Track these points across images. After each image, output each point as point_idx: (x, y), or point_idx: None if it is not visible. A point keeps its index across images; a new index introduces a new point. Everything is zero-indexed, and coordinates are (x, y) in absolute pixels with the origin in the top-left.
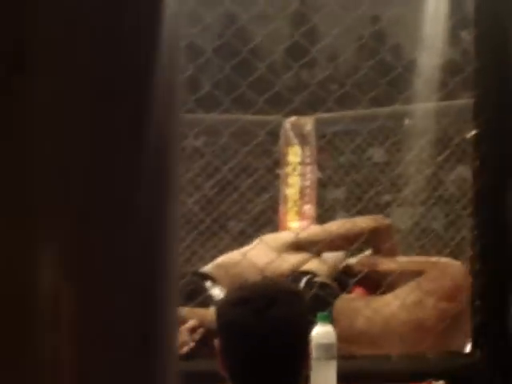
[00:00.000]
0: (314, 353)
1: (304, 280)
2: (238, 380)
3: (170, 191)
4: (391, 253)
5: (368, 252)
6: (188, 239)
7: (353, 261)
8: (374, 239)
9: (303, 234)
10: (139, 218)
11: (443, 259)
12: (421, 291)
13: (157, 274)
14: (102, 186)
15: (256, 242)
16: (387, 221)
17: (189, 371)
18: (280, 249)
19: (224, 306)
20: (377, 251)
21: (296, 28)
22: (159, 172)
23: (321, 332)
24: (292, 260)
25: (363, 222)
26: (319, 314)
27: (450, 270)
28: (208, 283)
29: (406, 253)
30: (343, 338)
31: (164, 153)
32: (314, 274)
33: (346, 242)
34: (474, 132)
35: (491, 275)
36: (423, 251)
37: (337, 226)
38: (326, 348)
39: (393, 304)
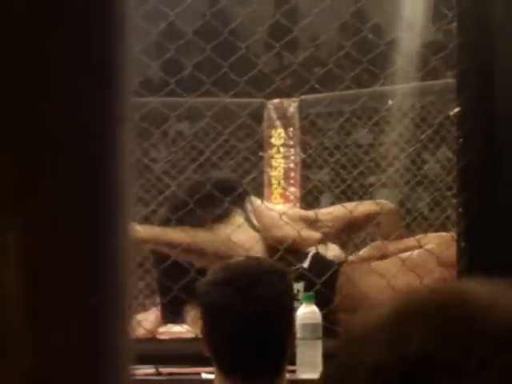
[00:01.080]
0: (299, 333)
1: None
2: (222, 361)
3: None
4: (398, 237)
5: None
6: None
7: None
8: (382, 224)
9: (322, 213)
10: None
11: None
12: (423, 256)
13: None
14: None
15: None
16: (393, 206)
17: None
18: (299, 223)
19: (207, 287)
20: (385, 237)
21: (279, 9)
22: None
23: (306, 312)
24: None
25: (371, 207)
26: (304, 295)
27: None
28: None
29: None
30: (347, 306)
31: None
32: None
33: (357, 226)
34: (456, 110)
35: (476, 253)
36: (409, 231)
37: (350, 208)
38: (311, 328)
39: (397, 266)
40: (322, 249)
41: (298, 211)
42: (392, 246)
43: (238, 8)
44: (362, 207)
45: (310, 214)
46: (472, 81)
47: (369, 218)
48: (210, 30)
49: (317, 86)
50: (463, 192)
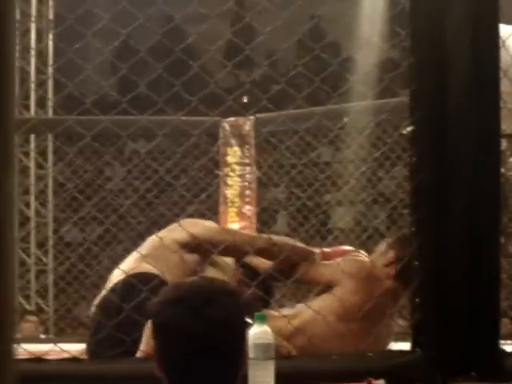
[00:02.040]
0: (251, 353)
1: None
2: (175, 381)
3: None
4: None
5: None
6: (127, 242)
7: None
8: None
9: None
10: None
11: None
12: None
13: None
14: None
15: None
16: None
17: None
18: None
19: (159, 306)
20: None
21: (235, 29)
22: None
23: (258, 332)
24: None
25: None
26: (256, 314)
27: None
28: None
29: None
30: None
31: None
32: None
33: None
34: (409, 129)
35: (429, 272)
36: (366, 250)
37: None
38: (263, 348)
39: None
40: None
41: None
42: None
43: (196, 27)
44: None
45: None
46: (425, 99)
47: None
48: (166, 49)
49: (270, 106)
50: (416, 211)
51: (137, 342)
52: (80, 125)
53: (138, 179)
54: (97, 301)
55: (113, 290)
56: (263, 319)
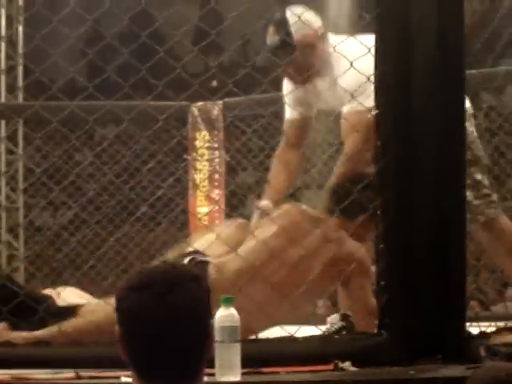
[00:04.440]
0: (217, 336)
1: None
2: (140, 365)
3: None
4: None
5: None
6: (97, 227)
7: None
8: None
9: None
10: None
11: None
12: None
13: None
14: None
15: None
16: None
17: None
18: None
19: (123, 291)
20: None
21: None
22: None
23: (224, 315)
24: None
25: None
26: (222, 297)
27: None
28: None
29: None
30: None
31: None
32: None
33: None
34: (374, 112)
35: (394, 255)
36: None
37: None
38: (229, 331)
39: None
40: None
41: None
42: None
43: (166, 12)
44: None
45: None
46: (390, 83)
47: None
48: (135, 35)
49: (237, 90)
50: (382, 193)
51: None
52: (48, 110)
53: (107, 164)
54: None
55: None
56: (229, 302)
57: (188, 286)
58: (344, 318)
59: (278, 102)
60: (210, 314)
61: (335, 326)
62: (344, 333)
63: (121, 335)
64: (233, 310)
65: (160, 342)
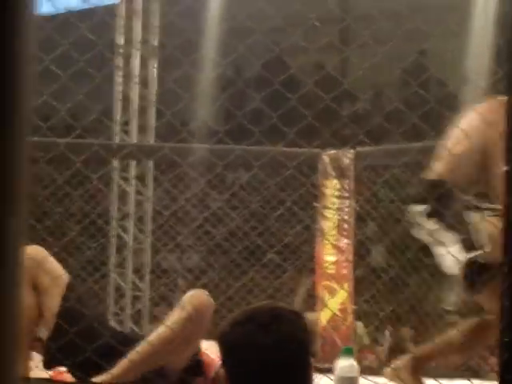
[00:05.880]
0: None
1: None
2: None
3: None
4: None
5: None
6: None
7: None
8: None
9: None
10: None
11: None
12: None
13: None
14: None
15: None
16: None
17: None
18: None
19: (227, 327)
20: None
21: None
22: None
23: (343, 366)
24: None
25: None
26: (343, 348)
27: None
28: None
29: None
30: None
31: None
32: None
33: None
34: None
35: None
36: None
37: None
38: (348, 382)
39: None
40: None
41: None
42: None
43: (298, 58)
44: None
45: None
46: None
47: None
48: (269, 81)
49: (369, 139)
50: (509, 249)
51: None
52: (178, 152)
53: (237, 209)
54: None
55: None
56: (350, 352)
57: (290, 319)
58: None
59: (408, 153)
60: (310, 348)
61: None
62: None
63: (225, 372)
64: (352, 361)
65: (265, 370)
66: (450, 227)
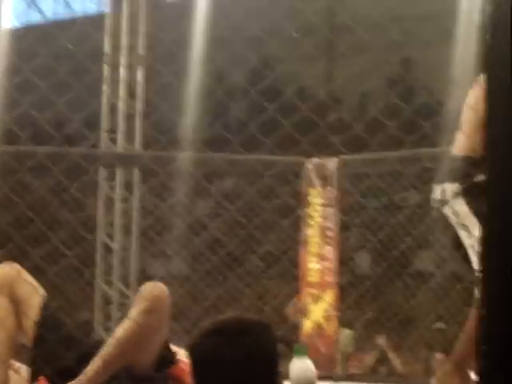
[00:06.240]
0: None
1: None
2: None
3: None
4: None
5: None
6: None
7: None
8: None
9: None
10: None
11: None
12: None
13: None
14: None
15: None
16: None
17: None
18: None
19: (196, 339)
20: None
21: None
22: None
23: (299, 366)
24: None
25: None
26: (296, 347)
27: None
28: None
29: None
30: None
31: None
32: None
33: None
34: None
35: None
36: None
37: None
38: (304, 381)
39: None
40: None
41: None
42: None
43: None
44: None
45: None
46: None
47: None
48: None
49: (352, 148)
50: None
51: None
52: (160, 160)
53: (220, 216)
54: None
55: None
56: (304, 352)
57: (258, 331)
58: None
59: (393, 162)
60: (278, 359)
61: None
62: None
63: (195, 381)
64: (307, 360)
65: (233, 383)
66: (477, 211)
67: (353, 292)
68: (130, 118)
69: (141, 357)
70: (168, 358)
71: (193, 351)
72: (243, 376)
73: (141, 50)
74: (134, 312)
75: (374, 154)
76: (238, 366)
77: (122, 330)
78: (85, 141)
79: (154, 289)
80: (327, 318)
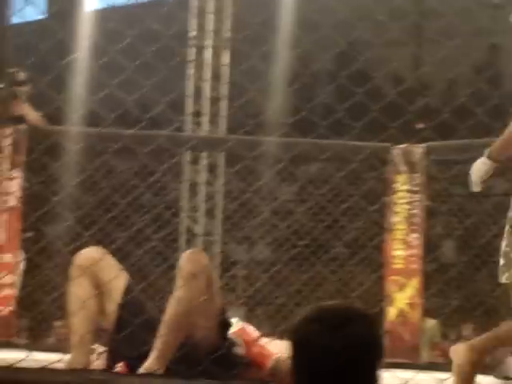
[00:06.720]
0: None
1: None
2: None
3: None
4: None
5: None
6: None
7: None
8: None
9: None
10: None
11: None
12: None
13: None
14: None
15: None
16: None
17: None
18: None
19: (298, 323)
20: None
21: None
22: None
23: None
24: None
25: None
26: None
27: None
28: None
29: None
30: None
31: None
32: None
33: None
34: None
35: None
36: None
37: None
38: None
39: None
40: None
41: None
42: None
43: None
44: None
45: None
46: None
47: None
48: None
49: (440, 135)
50: None
51: None
52: (245, 145)
53: (306, 202)
54: None
55: None
56: None
57: (361, 321)
58: None
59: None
60: (381, 352)
61: None
62: None
63: (291, 367)
64: None
65: (331, 374)
66: None
67: (438, 280)
68: (215, 101)
69: (199, 323)
70: (227, 323)
71: (294, 335)
72: (345, 366)
73: (226, 32)
74: (177, 283)
75: (461, 141)
76: (341, 354)
77: (169, 304)
78: (169, 124)
79: (189, 256)
80: (412, 305)
